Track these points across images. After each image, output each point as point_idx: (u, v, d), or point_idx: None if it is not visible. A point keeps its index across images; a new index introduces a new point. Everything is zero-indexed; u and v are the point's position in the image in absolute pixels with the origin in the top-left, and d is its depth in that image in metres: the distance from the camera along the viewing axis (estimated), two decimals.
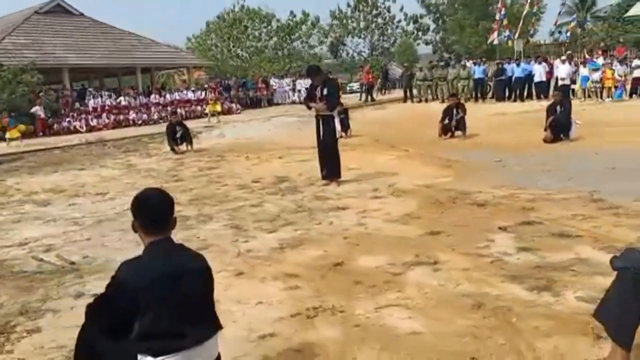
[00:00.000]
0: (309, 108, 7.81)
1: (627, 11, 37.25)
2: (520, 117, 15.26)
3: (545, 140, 10.42)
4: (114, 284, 2.39)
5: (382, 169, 8.80)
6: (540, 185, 6.90)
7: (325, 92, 7.49)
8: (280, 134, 16.15)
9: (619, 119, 13.09)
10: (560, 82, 19.38)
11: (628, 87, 18.15)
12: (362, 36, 49.13)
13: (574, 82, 19.39)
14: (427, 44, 50.55)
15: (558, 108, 10.48)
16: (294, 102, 27.85)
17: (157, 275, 2.35)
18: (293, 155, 11.50)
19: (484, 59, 25.12)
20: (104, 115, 21.70)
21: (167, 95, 24.43)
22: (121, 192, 8.68)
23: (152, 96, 23.90)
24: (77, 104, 21.64)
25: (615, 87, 18.25)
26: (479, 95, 21.50)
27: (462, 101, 20.94)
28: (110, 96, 22.90)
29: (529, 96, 20.58)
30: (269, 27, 45.98)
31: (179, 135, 13.17)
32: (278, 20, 45.88)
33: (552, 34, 39.48)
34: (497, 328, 3.25)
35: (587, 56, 20.64)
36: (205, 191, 8.19)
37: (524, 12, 30.98)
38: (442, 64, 24.05)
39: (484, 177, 7.72)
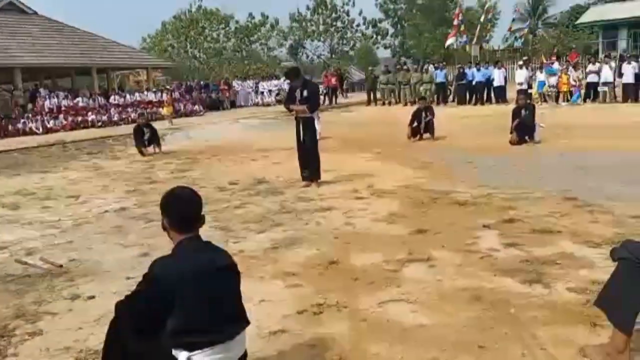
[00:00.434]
0: (290, 111, 7.87)
1: (576, 19, 39.01)
2: (483, 120, 15.74)
3: (511, 142, 10.81)
4: (149, 281, 2.41)
5: (358, 170, 8.95)
6: (514, 185, 7.18)
7: (305, 94, 7.57)
8: (248, 136, 16.12)
9: (576, 122, 13.73)
10: (517, 87, 20.17)
11: (583, 91, 19.02)
12: (322, 39, 49.38)
13: (530, 86, 20.15)
14: (386, 47, 51.45)
15: (523, 111, 10.91)
16: (257, 105, 27.84)
17: (192, 272, 2.39)
18: (266, 157, 11.52)
19: (443, 63, 25.74)
20: (61, 116, 21.09)
21: (127, 96, 23.94)
22: (94, 195, 8.52)
23: (112, 97, 23.41)
24: (29, 105, 20.96)
25: (571, 92, 19.10)
26: (440, 98, 22.05)
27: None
28: (66, 97, 22.29)
29: (489, 100, 21.26)
30: (227, 29, 45.70)
31: (147, 137, 12.97)
32: (237, 22, 45.66)
33: (506, 40, 40.73)
34: (498, 319, 3.42)
35: (545, 61, 21.44)
36: None
37: (481, 19, 31.93)
38: (405, 67, 24.45)
39: (458, 178, 7.97)
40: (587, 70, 19.40)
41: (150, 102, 23.88)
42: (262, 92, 28.54)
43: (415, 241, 5.10)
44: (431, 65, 25.29)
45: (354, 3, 46.77)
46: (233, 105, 27.40)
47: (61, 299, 4.21)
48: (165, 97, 23.15)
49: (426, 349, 3.11)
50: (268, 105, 27.30)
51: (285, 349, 3.22)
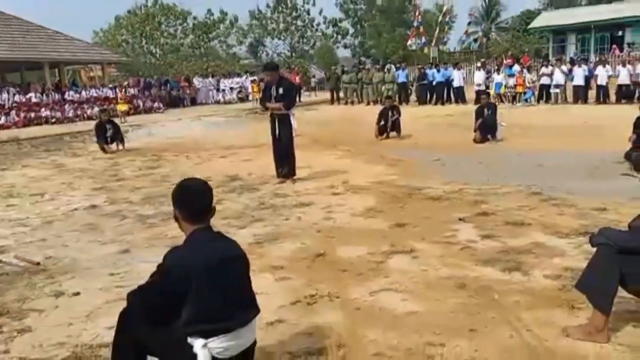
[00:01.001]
0: (266, 109, 7.89)
1: (527, 23, 40.48)
2: (445, 120, 16.16)
3: (474, 141, 11.18)
4: (164, 271, 2.45)
5: (330, 167, 9.07)
6: (482, 181, 7.45)
7: (280, 91, 7.61)
8: (212, 133, 16.01)
9: (531, 122, 14.24)
10: (476, 88, 20.79)
11: (536, 92, 19.75)
12: (282, 38, 49.30)
13: (487, 87, 20.79)
14: (346, 47, 51.85)
15: (485, 111, 11.29)
16: (218, 102, 27.56)
17: (205, 262, 2.44)
18: (235, 154, 11.50)
19: (404, 64, 26.22)
20: (13, 112, 20.35)
21: (83, 92, 23.29)
22: (60, 192, 8.33)
23: (67, 93, 22.72)
24: None
25: (524, 93, 19.81)
26: (402, 98, 22.44)
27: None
28: (18, 92, 21.50)
29: (448, 100, 21.80)
30: (185, 25, 44.97)
31: (109, 134, 12.70)
32: (195, 18, 44.96)
33: (462, 42, 41.78)
34: (484, 304, 3.60)
35: (505, 62, 22.18)
36: (155, 190, 8.03)
37: (439, 21, 32.68)
38: (366, 67, 24.77)
39: (428, 174, 8.20)
40: (540, 73, 20.15)
41: (107, 98, 23.29)
42: (224, 90, 28.30)
43: (396, 234, 5.25)
44: (392, 66, 25.70)
45: (314, 2, 46.89)
46: (193, 102, 27.05)
47: (44, 296, 4.15)
48: (119, 93, 22.56)
49: (420, 334, 3.24)
50: (229, 102, 27.09)
51: (284, 339, 3.29)
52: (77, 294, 4.16)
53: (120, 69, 38.98)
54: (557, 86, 19.23)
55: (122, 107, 20.55)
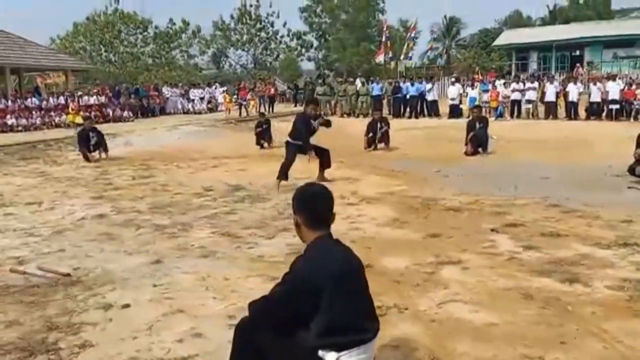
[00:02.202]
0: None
1: (485, 41, 41.92)
2: (426, 132, 16.38)
3: (466, 153, 11.34)
4: (293, 282, 2.32)
5: (332, 178, 8.95)
6: (494, 192, 7.52)
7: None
8: (193, 143, 15.68)
9: (513, 136, 14.58)
10: (450, 102, 21.23)
11: (508, 108, 20.28)
12: (246, 49, 49.09)
13: (461, 102, 21.27)
14: (309, 60, 52.04)
15: (477, 124, 11.49)
16: (187, 112, 27.03)
17: (338, 270, 2.34)
18: (226, 164, 11.28)
19: (377, 77, 26.51)
20: None
21: (51, 100, 22.40)
22: (57, 201, 7.93)
23: (30, 100, 21.75)
24: None
25: (495, 109, 20.34)
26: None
27: (361, 117, 22.16)
28: None
29: (422, 113, 22.14)
30: (146, 34, 44.15)
31: (93, 142, 12.23)
32: (156, 27, 44.19)
33: (428, 57, 42.67)
34: (560, 315, 3.58)
35: (480, 77, 22.73)
36: (160, 199, 7.75)
37: (408, 36, 33.27)
38: (340, 79, 24.90)
39: (436, 186, 8.23)
40: (512, 88, 20.74)
41: (57, 107, 22.06)
42: (193, 100, 27.82)
43: (434, 245, 5.21)
44: (359, 79, 25.84)
45: (278, 15, 46.92)
46: (162, 112, 26.45)
47: (92, 309, 3.89)
48: (71, 103, 21.62)
49: (512, 346, 3.19)
50: (200, 113, 26.61)
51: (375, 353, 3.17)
52: (127, 306, 3.93)
53: (77, 76, 37.86)
54: (529, 101, 19.86)
55: (73, 118, 19.75)
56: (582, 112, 18.77)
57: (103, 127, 19.11)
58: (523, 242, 5.15)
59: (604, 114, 18.22)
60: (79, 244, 5.59)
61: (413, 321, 3.57)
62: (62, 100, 22.42)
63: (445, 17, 51.48)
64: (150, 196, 8.04)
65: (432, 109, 21.86)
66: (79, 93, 24.12)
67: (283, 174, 8.29)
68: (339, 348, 2.30)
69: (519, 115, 20.10)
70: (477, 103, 20.69)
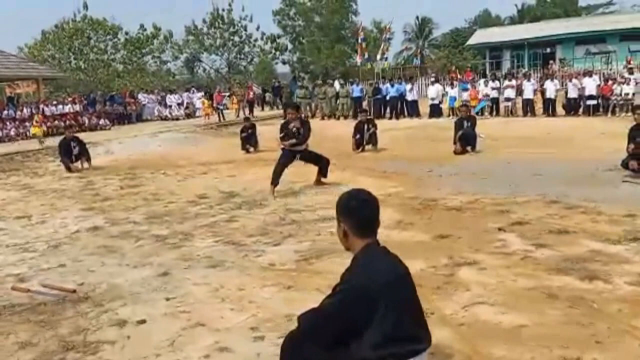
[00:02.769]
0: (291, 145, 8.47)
1: (456, 41, 42.42)
2: (408, 133, 16.40)
3: (455, 152, 11.37)
4: (349, 291, 2.25)
5: (327, 180, 8.86)
6: (492, 191, 7.52)
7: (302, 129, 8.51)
8: (176, 149, 15.43)
9: (498, 134, 14.62)
10: (430, 102, 21.34)
11: (488, 104, 20.49)
12: (219, 53, 48.66)
13: (441, 102, 21.40)
14: (284, 63, 51.82)
15: (465, 123, 11.54)
16: (165, 119, 26.62)
17: (392, 278, 2.29)
18: (214, 170, 11.09)
19: (357, 79, 26.56)
20: None
21: (24, 110, 21.81)
22: (46, 214, 7.69)
23: (7, 111, 21.16)
24: None
25: (475, 106, 20.52)
26: (357, 112, 22.62)
27: (342, 118, 22.15)
28: None
29: (402, 114, 22.21)
30: (116, 40, 43.42)
31: (75, 152, 11.91)
32: (126, 33, 43.47)
33: (403, 58, 42.94)
34: (589, 314, 3.57)
35: (459, 76, 22.92)
36: (154, 209, 7.55)
37: (383, 37, 33.39)
38: (319, 82, 24.85)
39: (432, 186, 8.22)
40: (489, 86, 20.95)
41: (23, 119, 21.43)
42: (170, 106, 27.43)
43: (446, 246, 5.17)
44: (337, 81, 25.82)
45: (251, 18, 46.56)
46: (139, 118, 26.01)
47: (106, 326, 3.74)
48: (35, 115, 21.00)
49: (548, 347, 3.16)
50: (177, 119, 26.24)
51: None
52: (143, 321, 3.79)
53: (47, 85, 37.03)
54: (508, 99, 20.11)
55: (35, 131, 19.29)
56: (559, 109, 19.09)
57: (80, 136, 18.83)
58: (533, 241, 5.14)
59: (580, 110, 18.56)
60: (78, 259, 5.41)
61: (441, 326, 3.51)
62: (34, 110, 21.90)
63: (417, 17, 51.94)
64: (142, 206, 7.84)
65: (413, 110, 21.94)
66: (54, 102, 23.52)
67: (276, 179, 8.18)
68: (397, 358, 2.22)
69: (497, 113, 20.33)
70: (461, 101, 20.98)
